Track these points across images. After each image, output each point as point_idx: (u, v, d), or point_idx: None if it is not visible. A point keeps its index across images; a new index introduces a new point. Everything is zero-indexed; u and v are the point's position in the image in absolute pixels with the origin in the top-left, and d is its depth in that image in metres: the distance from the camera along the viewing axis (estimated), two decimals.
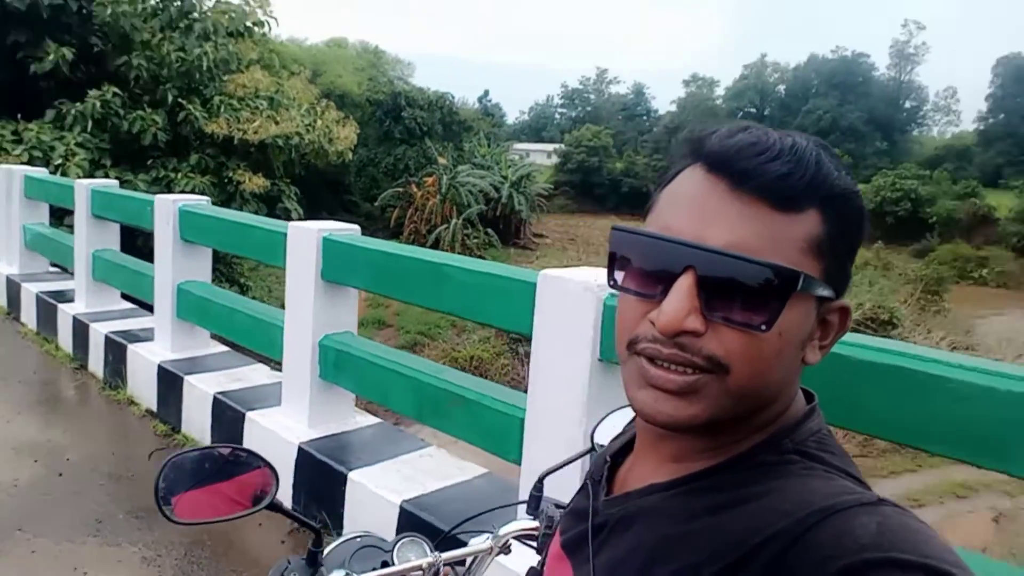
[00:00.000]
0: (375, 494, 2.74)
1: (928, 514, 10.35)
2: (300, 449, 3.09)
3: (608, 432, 1.08)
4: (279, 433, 3.23)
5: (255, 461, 0.97)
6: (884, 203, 37.32)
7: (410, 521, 2.55)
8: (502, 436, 2.39)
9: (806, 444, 0.67)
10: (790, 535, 0.58)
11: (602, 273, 2.14)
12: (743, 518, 0.62)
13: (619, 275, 0.69)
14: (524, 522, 1.11)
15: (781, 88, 68.38)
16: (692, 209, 0.65)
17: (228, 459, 0.96)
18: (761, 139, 0.63)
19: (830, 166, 0.64)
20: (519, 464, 2.34)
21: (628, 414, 1.08)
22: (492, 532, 1.14)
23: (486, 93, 70.52)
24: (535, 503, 1.10)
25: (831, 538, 0.56)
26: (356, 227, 3.29)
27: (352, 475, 2.86)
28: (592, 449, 1.07)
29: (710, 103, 55.38)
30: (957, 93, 68.76)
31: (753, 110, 65.43)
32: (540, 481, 1.13)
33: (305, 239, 3.17)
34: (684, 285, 0.62)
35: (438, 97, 34.13)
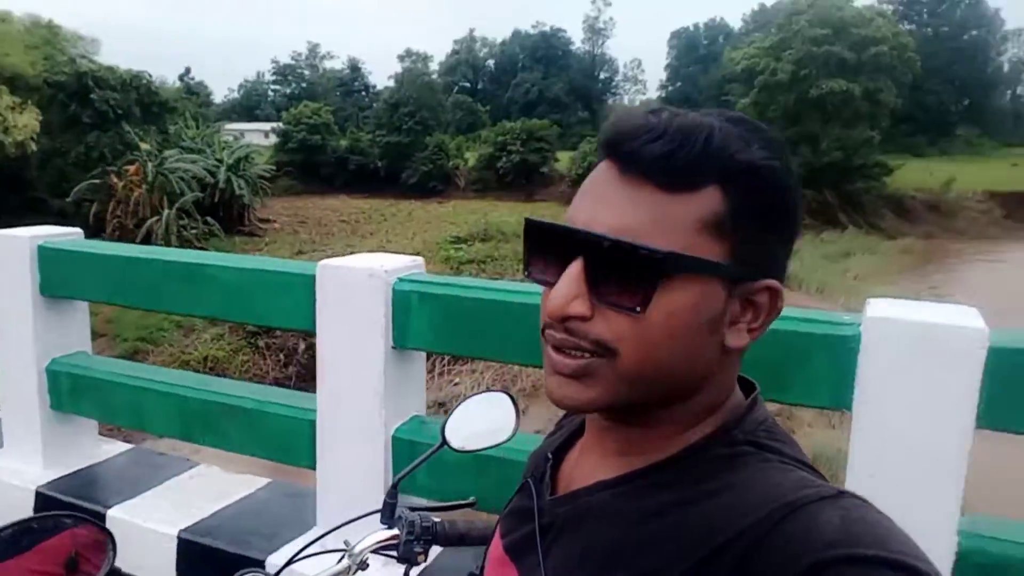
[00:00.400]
0: (144, 529, 2.44)
1: None
2: (39, 494, 2.65)
3: (461, 425, 1.05)
4: (6, 480, 2.74)
5: (73, 522, 0.80)
6: (591, 167, 40.65)
7: (193, 552, 2.31)
8: (291, 442, 2.23)
9: (756, 434, 0.68)
10: (755, 533, 0.58)
11: (386, 258, 2.08)
12: (704, 517, 0.62)
13: (533, 266, 0.70)
14: (381, 533, 1.04)
15: (491, 63, 71.40)
16: (588, 196, 0.66)
17: (46, 527, 0.78)
18: (648, 121, 0.63)
19: (727, 141, 0.62)
20: (312, 468, 2.21)
21: (480, 401, 1.05)
22: (345, 550, 1.05)
23: (187, 70, 65.22)
24: (390, 511, 1.04)
25: (797, 535, 0.56)
26: (78, 231, 2.87)
27: (112, 512, 2.51)
28: (443, 444, 1.03)
29: (427, 78, 56.11)
30: (642, 64, 76.86)
31: (467, 84, 67.68)
32: (394, 487, 1.07)
33: (15, 249, 2.69)
34: (573, 271, 0.64)
35: (132, 76, 30.76)
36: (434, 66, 68.09)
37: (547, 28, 69.02)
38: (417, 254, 2.25)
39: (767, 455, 0.66)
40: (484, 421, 1.02)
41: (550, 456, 0.80)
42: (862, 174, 34.92)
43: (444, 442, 1.02)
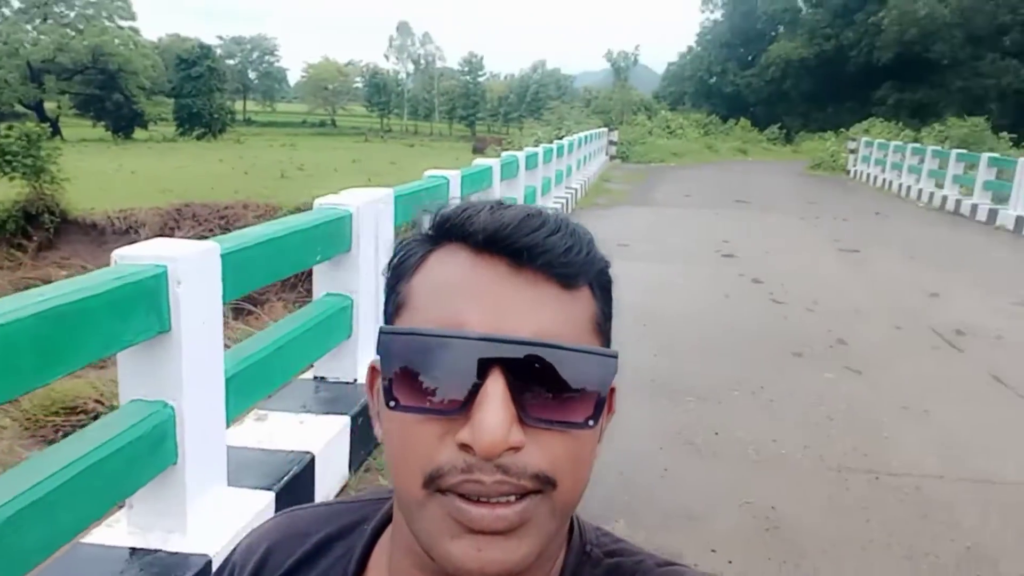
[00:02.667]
0: None
1: None
2: None
3: None
4: None
5: None
6: None
7: None
8: None
9: (602, 542, 0.64)
10: None
11: None
12: None
13: (398, 390, 0.52)
14: None
15: None
16: (474, 297, 0.53)
17: None
18: (532, 212, 0.56)
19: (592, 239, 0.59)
20: None
21: None
22: None
23: None
24: None
25: None
26: None
27: None
28: None
29: None
30: None
31: None
32: None
33: None
34: (497, 390, 0.50)
35: None
36: None
37: None
38: None
39: (638, 559, 0.62)
40: None
41: None
42: None
43: None
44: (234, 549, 0.73)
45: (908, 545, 3.03)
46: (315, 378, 3.69)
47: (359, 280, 3.67)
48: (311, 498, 2.94)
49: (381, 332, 0.54)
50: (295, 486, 2.77)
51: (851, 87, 35.78)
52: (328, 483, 3.10)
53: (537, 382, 0.51)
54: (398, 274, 0.58)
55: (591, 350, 0.54)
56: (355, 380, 3.69)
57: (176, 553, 2.18)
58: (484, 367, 0.50)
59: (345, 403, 3.43)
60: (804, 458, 3.82)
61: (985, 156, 14.39)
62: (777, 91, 39.55)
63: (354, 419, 3.34)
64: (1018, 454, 3.93)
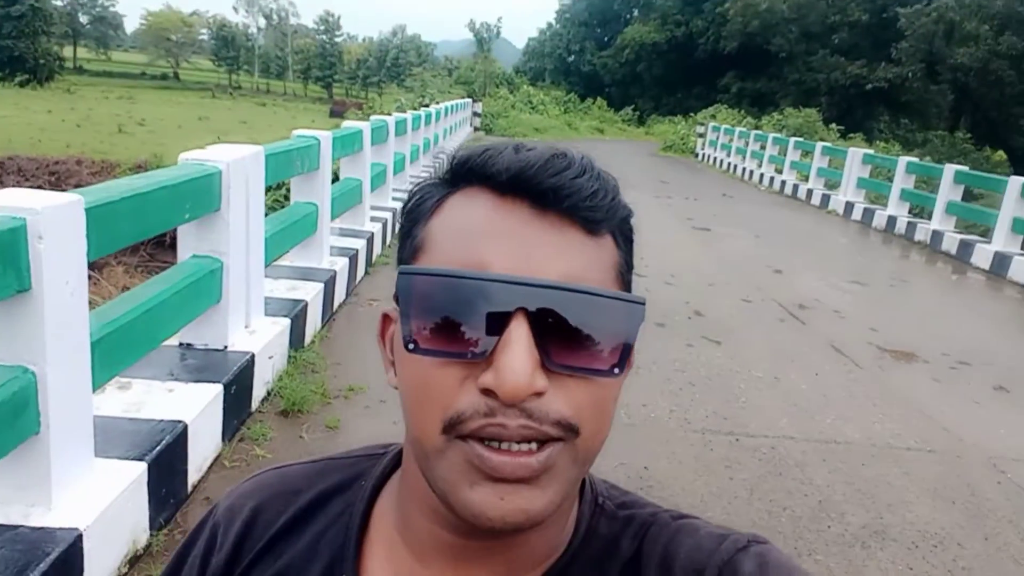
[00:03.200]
0: None
1: None
2: None
3: None
4: None
5: None
6: None
7: None
8: None
9: (612, 494, 0.63)
10: None
11: None
12: None
13: (418, 332, 0.49)
14: None
15: None
16: (497, 239, 0.50)
17: None
18: (558, 153, 0.53)
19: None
20: None
21: None
22: None
23: None
24: None
25: None
26: None
27: None
28: None
29: None
30: None
31: None
32: None
33: None
34: (521, 334, 0.47)
35: None
36: None
37: None
38: None
39: (651, 511, 0.61)
40: None
41: None
42: None
43: None
44: (211, 511, 0.68)
45: (768, 500, 3.27)
46: (181, 345, 3.46)
47: (229, 241, 3.48)
48: (185, 469, 2.76)
49: (400, 272, 0.51)
50: (167, 456, 2.59)
51: (699, 73, 37.53)
52: (202, 453, 2.92)
53: (562, 327, 0.48)
54: (414, 217, 0.56)
55: (619, 296, 0.52)
56: (225, 347, 3.48)
57: (41, 528, 1.99)
58: (508, 310, 0.48)
59: (216, 371, 3.23)
60: (671, 421, 4.01)
61: (820, 145, 15.60)
62: (631, 73, 40.84)
63: (227, 387, 3.15)
64: (857, 417, 4.31)
